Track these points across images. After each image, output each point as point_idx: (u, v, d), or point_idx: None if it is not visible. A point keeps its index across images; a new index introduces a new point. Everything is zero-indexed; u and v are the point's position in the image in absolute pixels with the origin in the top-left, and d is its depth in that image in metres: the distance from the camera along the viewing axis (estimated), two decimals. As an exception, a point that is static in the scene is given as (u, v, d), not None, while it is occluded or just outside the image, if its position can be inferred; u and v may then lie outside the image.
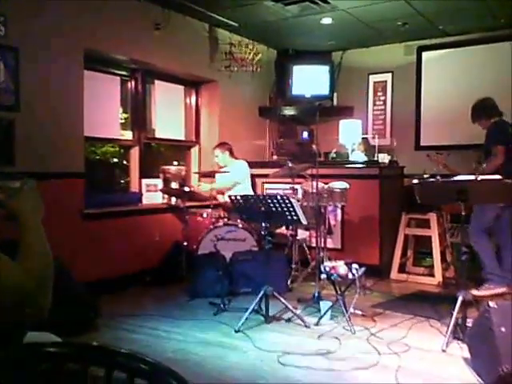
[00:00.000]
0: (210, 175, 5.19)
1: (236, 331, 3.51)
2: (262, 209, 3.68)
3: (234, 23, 5.67)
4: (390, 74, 6.58)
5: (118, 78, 5.18)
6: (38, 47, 4.06)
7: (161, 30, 5.05)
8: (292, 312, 3.77)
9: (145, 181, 5.33)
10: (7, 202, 1.21)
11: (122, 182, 5.63)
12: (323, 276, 3.81)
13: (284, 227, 5.08)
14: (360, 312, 3.87)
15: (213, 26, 5.77)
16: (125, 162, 5.55)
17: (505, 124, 4.49)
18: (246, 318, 3.58)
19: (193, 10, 5.28)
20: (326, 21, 5.63)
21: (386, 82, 6.63)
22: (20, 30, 3.92)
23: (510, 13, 5.17)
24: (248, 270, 4.35)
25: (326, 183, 4.75)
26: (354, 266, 3.67)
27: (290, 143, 6.57)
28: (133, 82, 5.33)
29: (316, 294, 4.05)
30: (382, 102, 6.68)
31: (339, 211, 5.46)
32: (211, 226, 4.65)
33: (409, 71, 6.40)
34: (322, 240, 4.79)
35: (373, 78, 6.71)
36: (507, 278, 4.30)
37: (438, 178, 3.69)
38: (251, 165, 5.56)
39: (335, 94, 6.67)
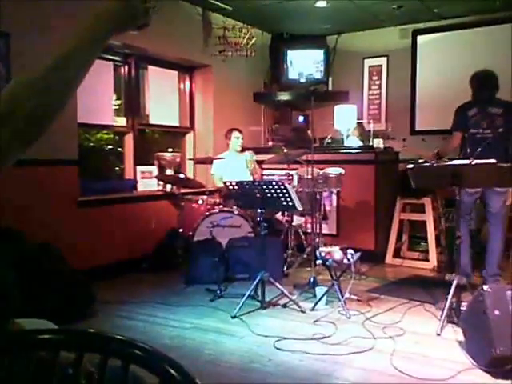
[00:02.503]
0: (206, 162, 5.16)
1: (232, 317, 3.52)
2: (258, 195, 3.68)
3: (227, 7, 5.60)
4: (385, 58, 6.54)
5: (111, 63, 5.12)
6: (29, 32, 4.00)
7: (153, 14, 4.97)
8: (288, 297, 3.79)
9: (139, 168, 5.31)
10: None
11: (117, 169, 5.60)
12: (319, 261, 3.83)
13: (280, 213, 5.09)
14: (355, 297, 3.89)
15: (206, 9, 5.69)
16: (119, 149, 5.51)
17: (463, 107, 4.29)
18: (243, 304, 3.60)
19: (186, -6, 5.22)
20: (321, 4, 5.57)
21: (381, 66, 6.59)
22: (11, 16, 3.85)
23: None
24: (244, 256, 4.36)
25: (322, 169, 4.75)
26: (350, 251, 3.69)
27: (285, 129, 6.55)
28: (126, 68, 5.28)
29: (312, 280, 4.06)
30: (377, 87, 6.65)
31: (334, 197, 5.46)
32: (207, 213, 4.64)
33: (404, 55, 6.36)
34: (318, 226, 4.80)
35: (368, 62, 6.66)
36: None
37: (433, 162, 3.69)
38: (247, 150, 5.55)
39: (330, 79, 6.62)
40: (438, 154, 4.25)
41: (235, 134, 5.30)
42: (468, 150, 4.06)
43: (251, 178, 5.28)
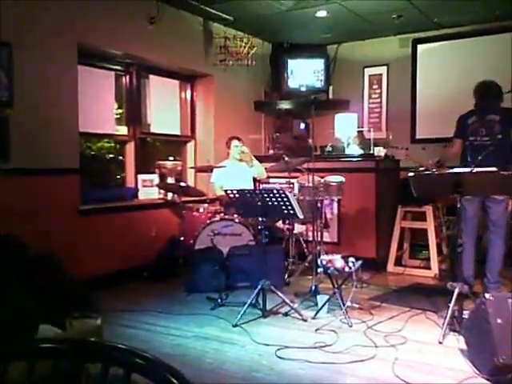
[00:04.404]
0: (207, 170, 5.18)
1: (234, 326, 3.51)
2: (259, 203, 3.68)
3: (228, 17, 5.64)
4: (385, 67, 6.57)
5: (113, 72, 5.15)
6: (31, 42, 4.03)
7: (155, 24, 5.02)
8: (289, 306, 3.78)
9: (141, 176, 5.32)
10: None
11: (118, 177, 5.61)
12: (320, 270, 3.82)
13: (281, 221, 5.09)
14: (357, 305, 3.88)
15: (207, 19, 5.74)
16: (120, 158, 5.53)
17: (464, 116, 4.34)
18: (244, 313, 3.59)
19: (187, 4, 5.26)
20: (321, 14, 5.61)
21: (381, 75, 6.62)
22: (13, 25, 3.88)
23: (505, 5, 5.17)
24: (245, 264, 4.35)
25: (322, 177, 4.76)
26: (351, 259, 3.68)
27: (285, 137, 6.56)
28: (127, 77, 5.31)
29: (313, 288, 4.06)
30: (377, 95, 6.67)
31: (335, 205, 5.47)
32: (208, 221, 4.64)
33: (404, 64, 6.39)
34: (319, 234, 4.80)
35: (368, 71, 6.69)
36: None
37: (434, 170, 3.70)
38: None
39: (331, 88, 6.65)
40: (439, 161, 4.27)
41: (234, 142, 5.31)
42: (468, 158, 4.08)
43: (251, 182, 5.30)
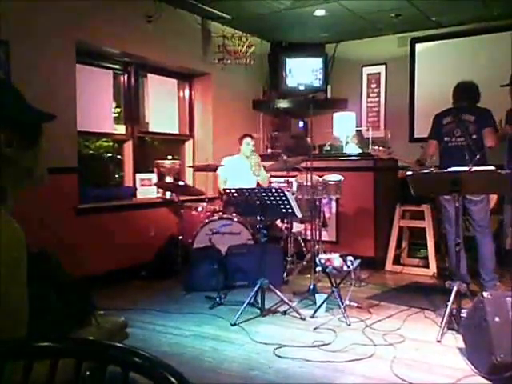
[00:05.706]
0: (205, 169, 5.17)
1: (232, 324, 3.51)
2: (257, 202, 3.68)
3: (226, 15, 5.64)
4: (383, 66, 6.57)
5: (111, 71, 5.15)
6: (28, 41, 4.02)
7: (153, 23, 5.02)
8: (288, 305, 3.78)
9: (139, 175, 5.31)
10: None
11: (116, 176, 5.61)
12: (318, 268, 3.82)
13: (279, 220, 5.09)
14: (355, 304, 3.88)
15: (205, 18, 5.73)
16: (119, 157, 5.52)
17: (440, 115, 4.38)
18: (242, 312, 3.59)
19: (185, 2, 5.25)
20: (319, 13, 5.60)
21: (379, 74, 6.62)
22: (10, 24, 3.87)
23: (503, 3, 5.17)
24: (243, 263, 4.35)
25: (321, 176, 4.76)
26: (349, 258, 3.68)
27: (284, 136, 6.56)
28: (125, 76, 5.30)
29: (311, 287, 4.06)
30: (375, 94, 6.67)
31: (334, 204, 5.47)
32: (206, 220, 4.64)
33: (402, 63, 6.39)
34: (317, 233, 4.80)
35: (366, 70, 6.69)
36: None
37: (432, 169, 3.70)
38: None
39: (329, 87, 6.65)
40: (418, 161, 4.29)
41: (246, 140, 5.36)
42: (443, 159, 4.12)
43: (255, 181, 5.31)
